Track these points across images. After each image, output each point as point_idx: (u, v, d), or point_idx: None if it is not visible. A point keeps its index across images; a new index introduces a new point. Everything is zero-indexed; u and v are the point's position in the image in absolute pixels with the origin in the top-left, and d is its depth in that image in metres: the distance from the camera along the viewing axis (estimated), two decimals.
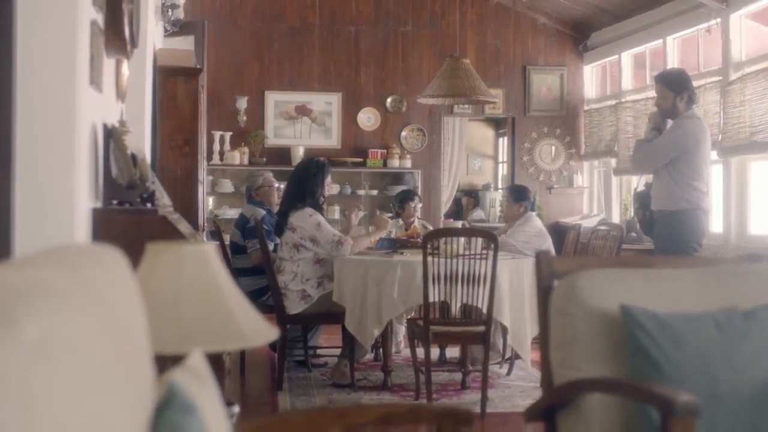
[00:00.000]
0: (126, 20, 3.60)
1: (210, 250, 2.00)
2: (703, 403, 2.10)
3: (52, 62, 2.95)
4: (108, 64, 3.79)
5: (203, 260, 1.97)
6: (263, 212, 6.43)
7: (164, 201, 3.83)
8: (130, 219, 3.33)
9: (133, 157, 3.59)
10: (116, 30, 3.53)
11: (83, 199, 3.14)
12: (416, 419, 1.79)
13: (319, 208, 5.68)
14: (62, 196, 2.97)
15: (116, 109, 4.16)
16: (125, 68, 4.22)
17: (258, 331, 1.96)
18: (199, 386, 1.56)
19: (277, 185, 6.79)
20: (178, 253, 1.95)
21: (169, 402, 1.37)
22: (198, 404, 1.43)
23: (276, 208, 6.31)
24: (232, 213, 8.81)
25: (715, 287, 2.51)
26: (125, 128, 3.55)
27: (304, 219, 5.53)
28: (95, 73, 3.31)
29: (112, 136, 3.46)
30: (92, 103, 3.30)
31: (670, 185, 5.36)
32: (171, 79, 6.04)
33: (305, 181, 5.69)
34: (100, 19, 3.44)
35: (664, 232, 5.35)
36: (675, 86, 5.38)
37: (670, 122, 5.49)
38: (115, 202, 3.48)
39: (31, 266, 1.34)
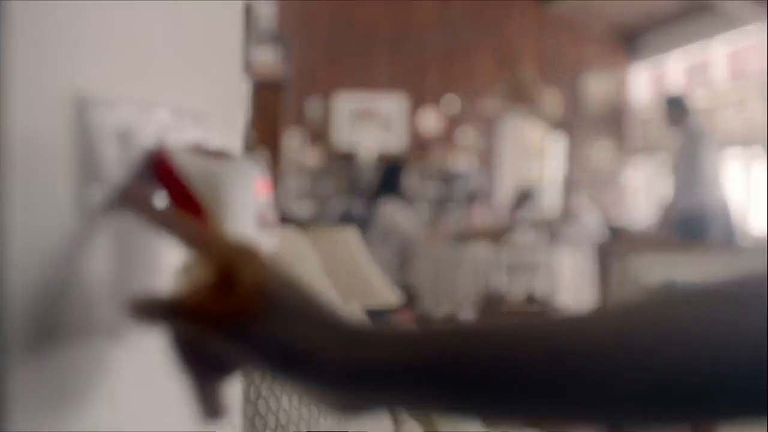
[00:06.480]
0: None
1: (353, 233, 2.65)
2: None
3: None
4: None
5: (349, 241, 2.62)
6: None
7: None
8: None
9: None
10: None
11: None
12: None
13: None
14: None
15: None
16: None
17: (387, 293, 2.61)
18: None
19: None
20: (332, 235, 2.61)
21: None
22: None
23: None
24: None
25: (747, 265, 3.12)
26: None
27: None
28: None
29: None
30: None
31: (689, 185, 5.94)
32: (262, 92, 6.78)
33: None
34: None
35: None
36: (673, 103, 6.18)
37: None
38: None
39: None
